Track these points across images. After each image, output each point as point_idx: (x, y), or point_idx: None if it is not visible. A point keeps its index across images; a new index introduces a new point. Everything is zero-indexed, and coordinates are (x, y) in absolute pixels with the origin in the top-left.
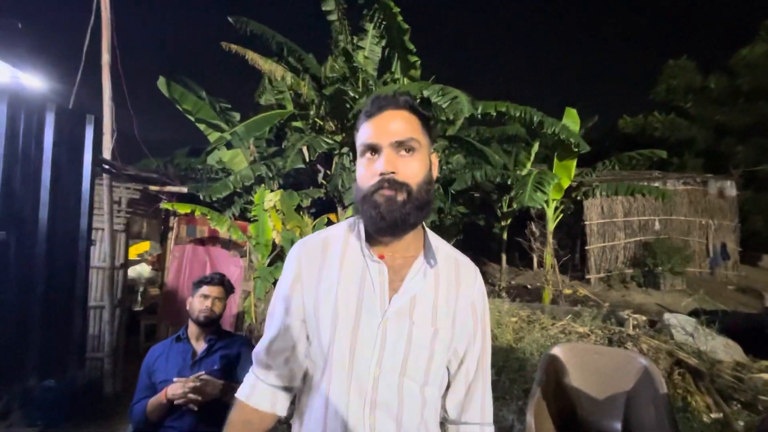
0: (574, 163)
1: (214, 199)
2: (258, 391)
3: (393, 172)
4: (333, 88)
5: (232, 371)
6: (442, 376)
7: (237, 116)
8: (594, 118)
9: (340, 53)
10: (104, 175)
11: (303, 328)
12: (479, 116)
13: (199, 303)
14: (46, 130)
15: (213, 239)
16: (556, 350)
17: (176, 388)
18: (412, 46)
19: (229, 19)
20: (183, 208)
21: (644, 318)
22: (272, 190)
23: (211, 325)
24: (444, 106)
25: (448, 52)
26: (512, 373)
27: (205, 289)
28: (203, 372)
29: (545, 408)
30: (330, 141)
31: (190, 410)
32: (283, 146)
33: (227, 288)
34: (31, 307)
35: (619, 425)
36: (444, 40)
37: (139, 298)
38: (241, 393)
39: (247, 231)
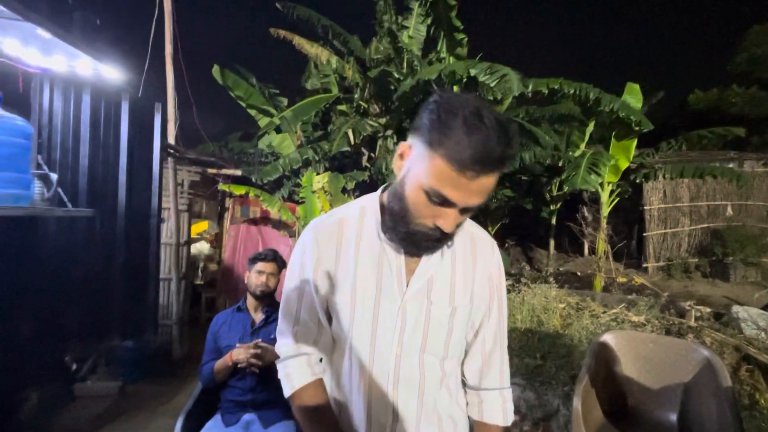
0: (634, 143)
1: (265, 181)
2: (300, 375)
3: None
4: (378, 71)
5: None
6: (461, 348)
7: (284, 101)
8: (659, 94)
9: (385, 34)
10: (169, 159)
11: (323, 311)
12: (529, 95)
13: (255, 278)
14: (122, 118)
15: (264, 219)
16: (607, 337)
17: (239, 353)
18: (458, 23)
19: (277, 5)
20: (238, 190)
21: (708, 310)
22: (318, 173)
23: (266, 297)
24: (492, 84)
25: (497, 27)
26: (558, 359)
27: (260, 266)
28: (261, 339)
29: (593, 394)
30: (374, 124)
31: (251, 372)
32: (329, 130)
33: (280, 264)
34: (113, 277)
35: (674, 416)
36: (493, 14)
37: (200, 273)
38: (290, 388)
39: (295, 212)
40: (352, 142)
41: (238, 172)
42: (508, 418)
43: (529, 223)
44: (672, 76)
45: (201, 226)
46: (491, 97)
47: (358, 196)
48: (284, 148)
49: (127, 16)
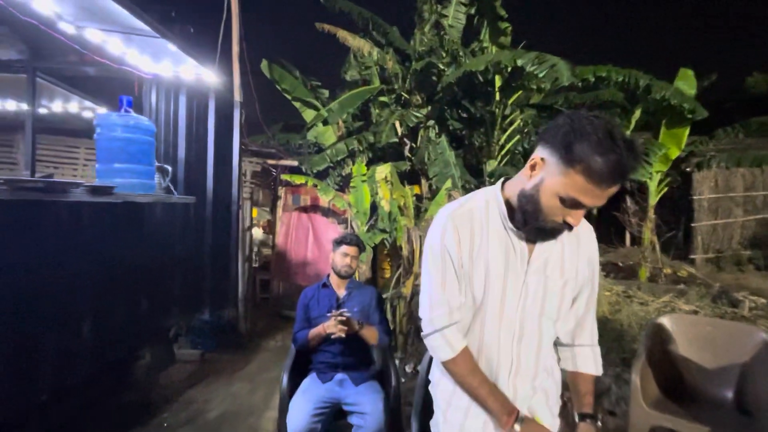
0: (686, 131)
1: (314, 171)
2: (457, 340)
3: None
4: (422, 63)
5: (365, 313)
6: (566, 312)
7: (326, 93)
8: (711, 76)
9: (428, 25)
10: None
11: (465, 284)
12: (579, 84)
13: (340, 259)
14: (209, 115)
15: (314, 207)
16: (663, 320)
17: (330, 325)
18: (503, 12)
19: (321, 1)
20: (299, 179)
21: (764, 300)
22: (363, 163)
23: (349, 276)
24: (540, 75)
25: (537, 12)
26: (609, 342)
27: (345, 248)
28: (345, 310)
29: (650, 372)
30: (417, 115)
31: (338, 338)
32: (374, 121)
33: (361, 247)
34: (204, 257)
35: (730, 394)
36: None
37: (255, 257)
38: (451, 351)
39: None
40: (399, 133)
41: (295, 163)
42: (599, 368)
43: None
44: (726, 57)
45: (254, 213)
46: (533, 86)
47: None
48: (326, 139)
49: (202, 20)
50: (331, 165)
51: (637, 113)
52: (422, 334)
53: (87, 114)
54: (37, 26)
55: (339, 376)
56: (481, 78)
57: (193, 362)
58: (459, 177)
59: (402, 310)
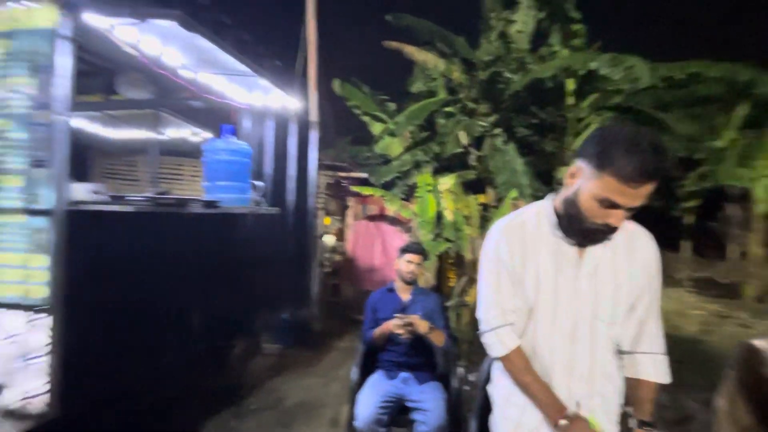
0: None
1: (381, 182)
2: (510, 339)
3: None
4: (488, 72)
5: (429, 318)
6: (622, 317)
7: (392, 106)
8: None
9: (494, 33)
10: None
11: (517, 290)
12: (660, 84)
13: (404, 266)
14: (289, 135)
15: (381, 216)
16: (760, 343)
17: (396, 324)
18: (575, 14)
19: (387, 18)
20: (367, 191)
21: None
22: (429, 174)
23: (413, 282)
24: (616, 77)
25: (613, 9)
26: (696, 365)
27: (408, 256)
28: (412, 315)
29: (741, 398)
30: (483, 124)
31: (403, 340)
32: (440, 131)
33: (424, 255)
34: (283, 261)
35: None
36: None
37: (326, 262)
38: (505, 349)
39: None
40: (463, 143)
41: (364, 175)
42: (661, 376)
43: (655, 223)
44: None
45: (325, 222)
46: (611, 88)
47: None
48: (393, 151)
49: (280, 49)
50: (398, 176)
51: (743, 109)
52: (479, 332)
53: (193, 138)
54: (164, 74)
55: (403, 374)
56: (550, 83)
57: (273, 356)
58: (527, 185)
59: (466, 319)
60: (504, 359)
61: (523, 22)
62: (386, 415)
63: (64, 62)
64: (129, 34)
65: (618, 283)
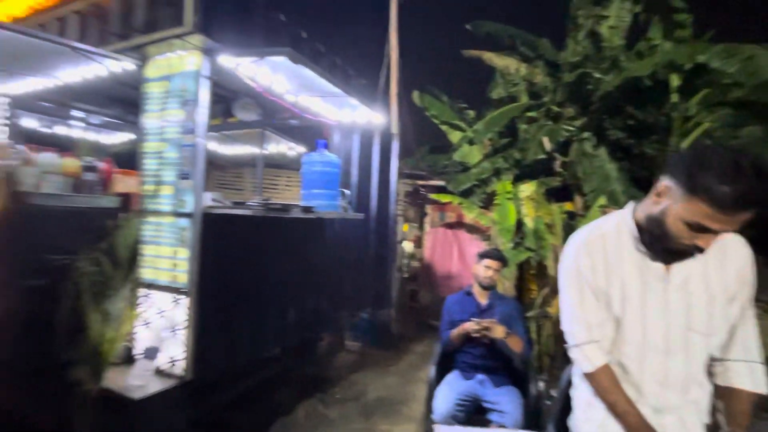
0: None
1: (459, 190)
2: (596, 357)
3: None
4: (575, 74)
5: (507, 323)
6: (720, 328)
7: (471, 114)
8: None
9: (582, 31)
10: None
11: (602, 304)
12: None
13: (483, 271)
14: (374, 146)
15: (458, 224)
16: None
17: (473, 326)
18: (679, 3)
19: (467, 27)
20: (445, 199)
21: None
22: (510, 181)
23: (490, 288)
24: (731, 70)
25: None
26: None
27: (488, 262)
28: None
29: None
30: (569, 128)
31: (482, 342)
32: (521, 137)
33: (503, 262)
34: (366, 264)
35: None
36: None
37: (405, 268)
38: (591, 366)
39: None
40: (547, 149)
41: (442, 183)
42: (759, 385)
43: (753, 226)
44: None
45: (403, 229)
46: (727, 81)
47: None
48: (471, 158)
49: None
50: (476, 183)
51: None
52: (566, 345)
53: (289, 152)
54: (273, 99)
55: (480, 376)
56: (648, 80)
57: (355, 352)
58: (622, 191)
59: (548, 331)
60: (590, 376)
61: (616, 16)
62: (462, 413)
63: (204, 96)
64: (248, 69)
65: (711, 294)
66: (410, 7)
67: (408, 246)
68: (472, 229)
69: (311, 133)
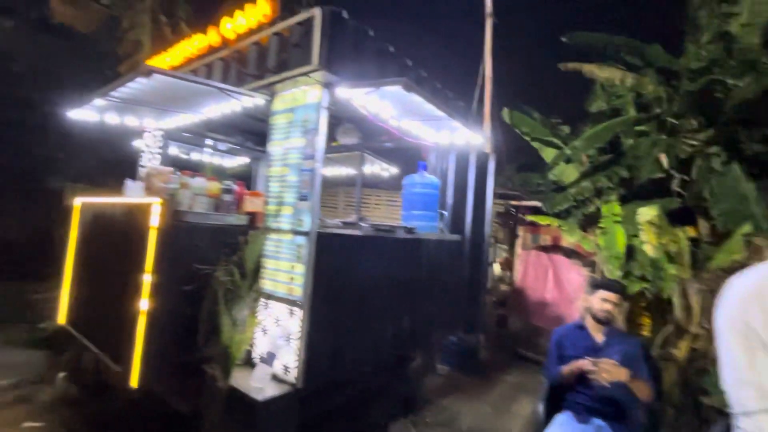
0: None
1: (555, 210)
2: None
3: None
4: (701, 81)
5: (629, 365)
6: None
7: (566, 129)
8: None
9: (706, 33)
10: None
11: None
12: None
13: (598, 304)
14: (469, 167)
15: (555, 247)
16: None
17: (588, 365)
18: None
19: (563, 39)
20: (544, 220)
21: None
22: (613, 202)
23: (607, 323)
24: None
25: None
26: None
27: (604, 293)
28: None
29: None
30: (692, 142)
31: (597, 384)
32: (627, 153)
33: (623, 295)
34: (459, 286)
35: None
36: None
37: (493, 292)
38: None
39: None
40: (665, 166)
41: (536, 203)
42: None
43: None
44: None
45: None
46: None
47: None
48: (568, 176)
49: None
50: (574, 204)
51: None
52: (730, 410)
53: (382, 173)
54: (369, 120)
55: (597, 422)
56: None
57: (444, 376)
58: (763, 215)
59: (672, 377)
60: None
61: (750, 12)
62: None
63: (323, 125)
64: (360, 98)
65: None
66: (498, 24)
67: (496, 269)
68: (571, 253)
69: (404, 154)
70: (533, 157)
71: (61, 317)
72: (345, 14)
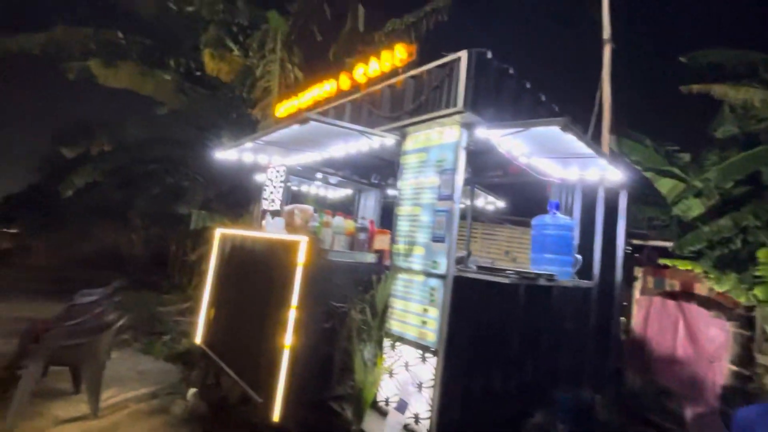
0: None
1: (685, 252)
2: None
3: None
4: None
5: None
6: None
7: (686, 157)
8: None
9: None
10: None
11: None
12: None
13: None
14: (597, 205)
15: (686, 294)
16: None
17: None
18: None
19: (682, 59)
20: (683, 265)
21: None
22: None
23: None
24: None
25: None
26: None
27: None
28: None
29: None
30: None
31: None
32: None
33: None
34: (586, 337)
35: None
36: None
37: None
38: None
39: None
40: None
41: (669, 244)
42: None
43: None
44: None
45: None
46: None
47: None
48: (693, 212)
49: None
50: (707, 245)
51: None
52: None
53: (487, 206)
54: (480, 154)
55: None
56: None
57: None
58: None
59: None
60: None
61: None
62: None
63: (461, 165)
64: (494, 136)
65: None
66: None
67: None
68: (709, 303)
69: (512, 188)
70: (645, 188)
71: (197, 337)
72: (489, 55)
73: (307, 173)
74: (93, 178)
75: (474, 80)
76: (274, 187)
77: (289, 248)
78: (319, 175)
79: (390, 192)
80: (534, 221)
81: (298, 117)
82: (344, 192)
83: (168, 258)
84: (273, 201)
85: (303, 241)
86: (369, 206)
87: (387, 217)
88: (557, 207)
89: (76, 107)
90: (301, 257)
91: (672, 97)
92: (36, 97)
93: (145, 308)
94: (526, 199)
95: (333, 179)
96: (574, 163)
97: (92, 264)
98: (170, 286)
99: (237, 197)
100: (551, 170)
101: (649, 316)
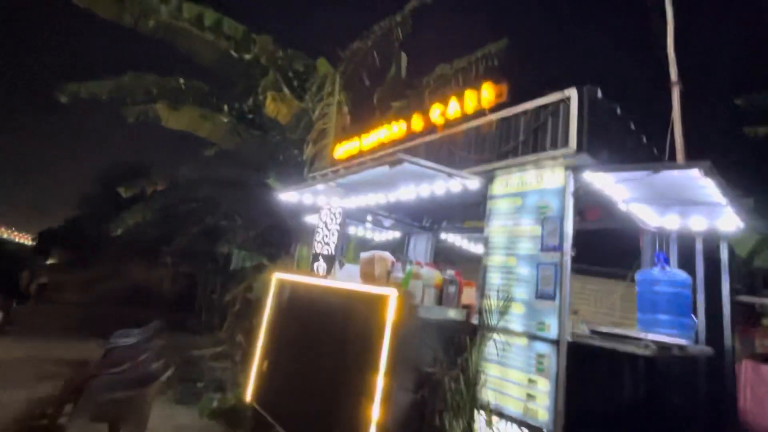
0: None
1: None
2: None
3: None
4: None
5: None
6: None
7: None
8: None
9: None
10: None
11: None
12: None
13: None
14: (696, 257)
15: None
16: None
17: None
18: None
19: (737, 103)
20: None
21: None
22: None
23: None
24: None
25: None
26: None
27: None
28: None
29: None
30: None
31: None
32: None
33: None
34: (694, 410)
35: None
36: None
37: None
38: None
39: None
40: None
41: (755, 300)
42: None
43: None
44: None
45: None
46: None
47: None
48: None
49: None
50: None
51: None
52: None
53: None
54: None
55: None
56: None
57: None
58: None
59: None
60: None
61: None
62: None
63: (569, 213)
64: (599, 180)
65: None
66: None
67: None
68: None
69: (583, 236)
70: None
71: (247, 393)
72: (599, 93)
73: (357, 215)
74: (144, 217)
75: (587, 120)
76: (329, 230)
77: (375, 302)
78: (370, 218)
79: (443, 236)
80: (639, 276)
81: (389, 158)
82: (391, 234)
83: (195, 297)
84: (327, 244)
85: (392, 295)
86: (420, 250)
87: (439, 262)
88: (666, 260)
89: (113, 149)
90: (391, 313)
91: (731, 137)
92: (76, 138)
93: (177, 352)
94: (594, 248)
95: (387, 222)
96: (676, 210)
97: (122, 301)
98: (199, 327)
99: (274, 238)
100: (648, 217)
101: (746, 385)
